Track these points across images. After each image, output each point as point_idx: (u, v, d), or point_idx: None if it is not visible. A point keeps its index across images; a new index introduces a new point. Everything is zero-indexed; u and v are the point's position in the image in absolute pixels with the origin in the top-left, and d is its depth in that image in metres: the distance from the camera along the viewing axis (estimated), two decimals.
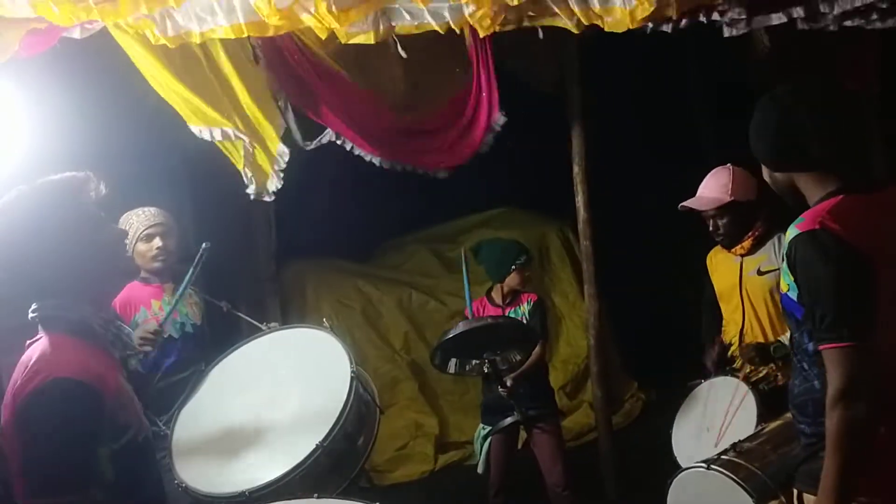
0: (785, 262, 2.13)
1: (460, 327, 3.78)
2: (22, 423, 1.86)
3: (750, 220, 3.59)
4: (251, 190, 4.03)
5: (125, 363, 2.94)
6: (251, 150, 3.86)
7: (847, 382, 1.96)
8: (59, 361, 1.90)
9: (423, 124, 4.35)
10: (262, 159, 3.97)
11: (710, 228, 3.64)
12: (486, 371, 3.92)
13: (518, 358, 3.96)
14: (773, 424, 3.04)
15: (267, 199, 4.00)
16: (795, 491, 2.24)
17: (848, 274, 2.00)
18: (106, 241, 2.05)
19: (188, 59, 3.50)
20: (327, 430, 2.59)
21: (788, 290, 2.13)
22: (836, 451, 1.99)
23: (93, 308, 2.03)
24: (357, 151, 4.18)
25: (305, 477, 2.54)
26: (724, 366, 3.72)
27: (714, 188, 3.58)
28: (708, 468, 2.78)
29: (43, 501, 1.82)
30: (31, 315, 2.00)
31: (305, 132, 4.06)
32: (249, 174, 3.95)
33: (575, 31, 3.19)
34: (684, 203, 3.62)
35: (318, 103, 4.02)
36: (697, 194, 3.64)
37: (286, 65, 3.86)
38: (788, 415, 2.89)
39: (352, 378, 2.74)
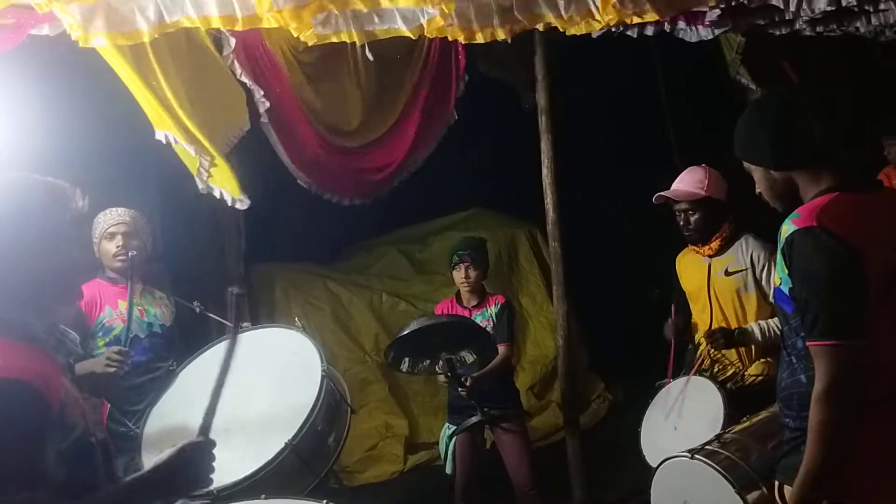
0: (780, 255, 2.13)
1: (412, 325, 3.76)
2: None
3: (720, 219, 3.66)
4: (224, 197, 3.96)
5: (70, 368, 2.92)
6: (207, 162, 3.79)
7: (832, 380, 1.98)
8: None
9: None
10: (223, 173, 3.89)
11: (681, 223, 3.69)
12: (439, 370, 3.90)
13: (473, 359, 3.94)
14: (757, 417, 3.04)
15: (240, 206, 3.95)
16: (777, 483, 2.25)
17: (841, 273, 2.01)
18: (66, 256, 1.90)
19: (148, 59, 3.43)
20: (297, 429, 2.61)
21: (781, 284, 2.15)
22: (817, 444, 2.00)
23: (36, 313, 1.89)
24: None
25: (275, 475, 2.55)
26: (684, 335, 3.79)
27: (690, 182, 3.66)
28: (692, 457, 2.79)
29: None
30: None
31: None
32: (205, 179, 3.88)
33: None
34: (660, 193, 3.68)
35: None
36: (672, 187, 3.70)
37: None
38: (772, 408, 2.91)
39: (322, 377, 2.75)
